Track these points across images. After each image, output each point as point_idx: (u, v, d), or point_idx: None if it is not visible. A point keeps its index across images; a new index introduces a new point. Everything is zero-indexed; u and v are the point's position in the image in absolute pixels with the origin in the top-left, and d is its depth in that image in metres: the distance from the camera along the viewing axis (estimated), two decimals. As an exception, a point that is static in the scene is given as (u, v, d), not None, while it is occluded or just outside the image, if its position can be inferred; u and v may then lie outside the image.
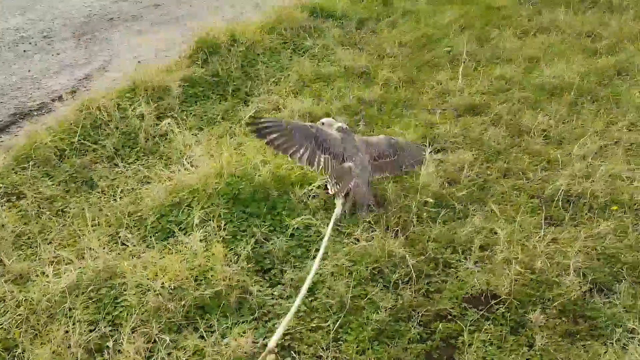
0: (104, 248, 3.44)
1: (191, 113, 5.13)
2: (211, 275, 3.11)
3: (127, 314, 2.96)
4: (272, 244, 3.40)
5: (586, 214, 3.65)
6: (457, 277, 3.21)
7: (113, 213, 3.79)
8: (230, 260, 3.27)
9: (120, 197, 3.94)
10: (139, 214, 3.77)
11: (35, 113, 5.50)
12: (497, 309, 3.01)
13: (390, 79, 5.58)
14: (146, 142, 4.65)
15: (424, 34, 6.61)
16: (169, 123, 4.61)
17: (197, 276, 3.13)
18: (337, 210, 3.62)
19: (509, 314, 2.98)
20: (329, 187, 3.76)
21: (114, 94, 5.11)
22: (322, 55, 6.16)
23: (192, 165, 4.03)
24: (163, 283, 3.04)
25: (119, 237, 3.56)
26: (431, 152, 4.35)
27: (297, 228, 3.53)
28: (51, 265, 3.32)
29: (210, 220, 3.50)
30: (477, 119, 4.90)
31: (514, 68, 5.78)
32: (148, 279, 3.08)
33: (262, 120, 3.78)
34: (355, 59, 5.97)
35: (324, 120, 4.11)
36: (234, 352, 2.71)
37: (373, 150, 4.03)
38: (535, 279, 3.16)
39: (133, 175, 4.21)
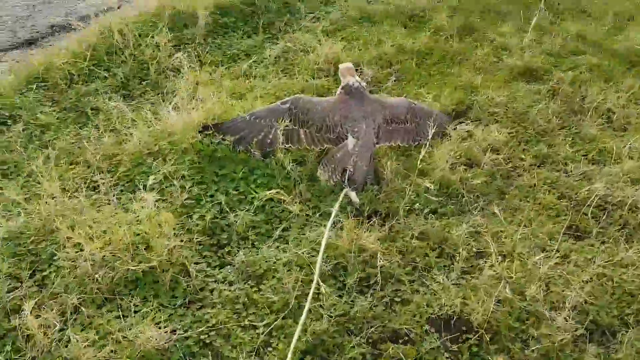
0: (68, 193, 3.18)
1: (215, 46, 4.72)
2: (152, 246, 2.77)
3: (55, 276, 2.71)
4: (235, 215, 3.02)
5: (618, 230, 2.98)
6: (432, 289, 2.71)
7: (95, 153, 3.51)
8: (183, 229, 2.93)
9: (109, 136, 3.65)
10: (118, 157, 3.48)
11: (74, 27, 5.27)
12: (465, 340, 2.50)
13: (445, 26, 4.85)
14: (158, 75, 4.31)
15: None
16: (180, 57, 4.22)
17: (139, 244, 2.80)
18: (354, 198, 3.20)
19: (477, 348, 2.47)
20: (319, 171, 3.31)
21: (138, 17, 4.77)
22: (378, -11, 5.48)
23: (188, 109, 3.64)
24: (98, 248, 2.74)
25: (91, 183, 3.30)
26: (461, 122, 3.75)
27: (271, 199, 3.11)
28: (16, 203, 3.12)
29: (174, 179, 3.14)
30: (532, 87, 4.16)
31: (597, 27, 4.87)
32: (90, 238, 2.79)
33: (220, 127, 3.47)
34: (412, -1, 5.25)
35: (341, 66, 3.61)
36: (143, 344, 2.40)
37: (387, 112, 3.52)
38: (524, 308, 2.59)
39: (131, 111, 3.87)
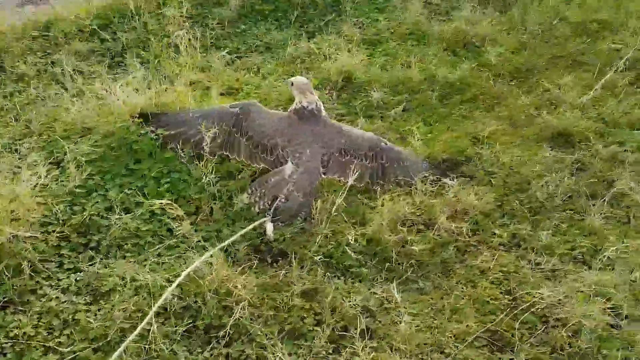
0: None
1: (239, 32, 4.36)
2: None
3: None
4: (118, 218, 2.64)
5: (547, 354, 2.28)
6: (279, 363, 2.18)
7: (37, 115, 3.31)
8: (55, 219, 2.61)
9: (63, 102, 3.40)
10: (55, 125, 3.24)
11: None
12: None
13: (497, 63, 4.15)
14: (161, 50, 4.01)
15: (598, 18, 4.84)
16: (181, 35, 3.90)
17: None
18: (269, 231, 2.73)
19: None
20: (246, 193, 2.86)
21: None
22: (445, 6, 4.84)
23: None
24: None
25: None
26: (444, 175, 3.15)
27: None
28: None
29: (70, 162, 2.82)
30: (555, 153, 3.40)
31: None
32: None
33: (158, 117, 3.09)
34: (479, 24, 4.55)
35: (292, 80, 3.11)
36: None
37: (344, 141, 3.02)
38: None
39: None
